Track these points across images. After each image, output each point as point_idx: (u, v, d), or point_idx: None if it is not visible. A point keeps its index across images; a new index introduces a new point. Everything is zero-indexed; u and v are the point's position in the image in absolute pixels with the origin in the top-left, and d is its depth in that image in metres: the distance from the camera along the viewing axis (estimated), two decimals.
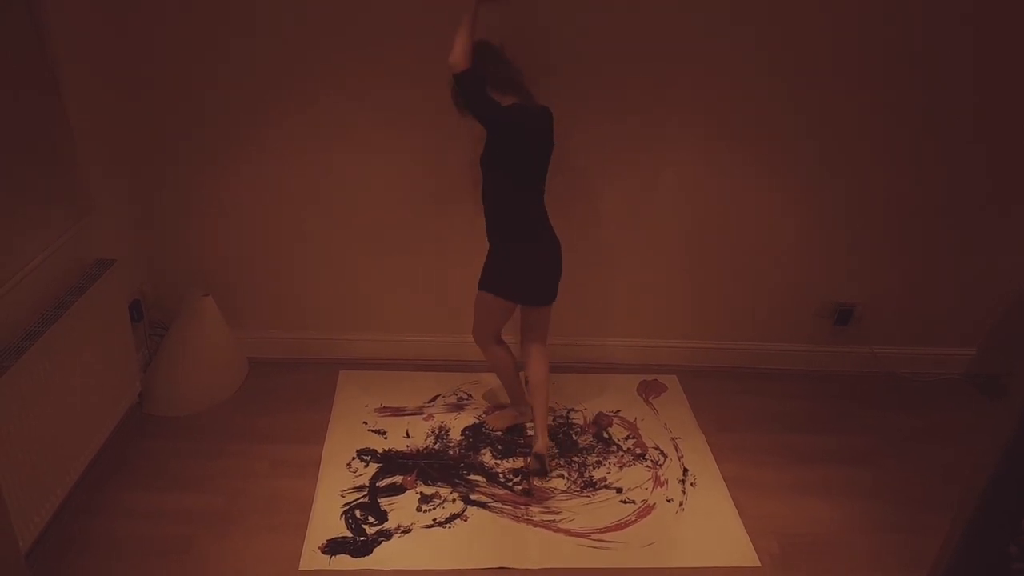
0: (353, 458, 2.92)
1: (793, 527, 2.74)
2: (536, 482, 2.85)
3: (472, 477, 2.86)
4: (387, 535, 2.59)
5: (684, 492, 2.87)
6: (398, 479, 2.83)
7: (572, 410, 3.27)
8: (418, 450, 2.98)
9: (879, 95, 3.05)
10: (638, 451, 3.06)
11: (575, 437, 3.11)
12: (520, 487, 2.83)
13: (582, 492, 2.84)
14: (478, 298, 2.82)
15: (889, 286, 3.49)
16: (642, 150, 3.12)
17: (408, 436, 3.05)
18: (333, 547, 2.53)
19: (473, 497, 2.77)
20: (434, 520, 2.66)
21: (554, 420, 3.19)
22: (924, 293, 3.51)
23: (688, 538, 2.67)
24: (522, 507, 2.75)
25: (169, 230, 3.16)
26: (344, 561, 2.48)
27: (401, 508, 2.70)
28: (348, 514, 2.66)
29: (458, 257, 3.22)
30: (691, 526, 2.72)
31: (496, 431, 3.08)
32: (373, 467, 2.88)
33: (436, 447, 3.00)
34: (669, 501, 2.83)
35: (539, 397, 2.88)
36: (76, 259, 2.66)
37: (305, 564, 2.46)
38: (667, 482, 2.92)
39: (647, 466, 2.99)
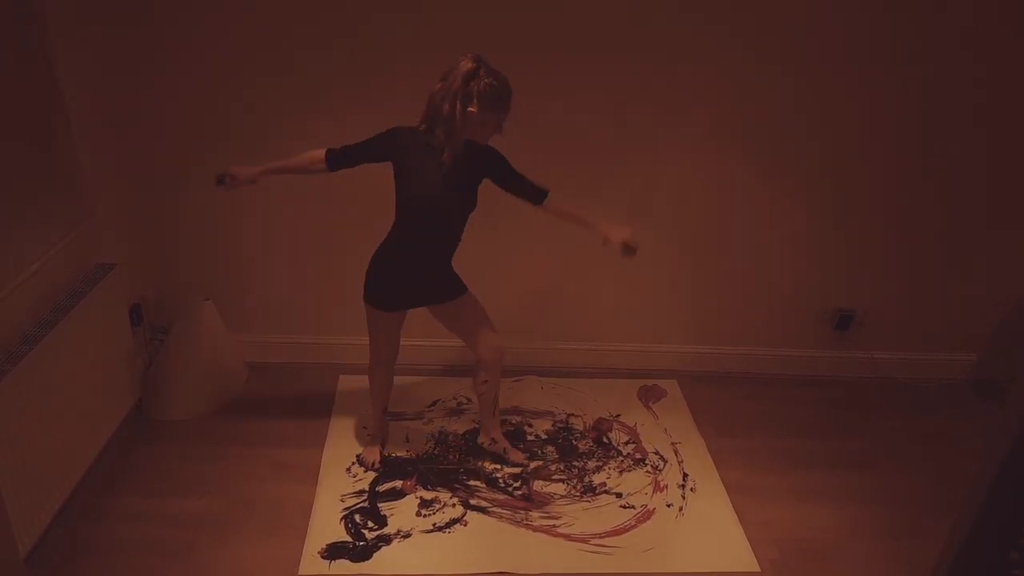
0: (353, 463, 2.91)
1: (793, 532, 2.74)
2: (537, 487, 2.85)
3: (472, 482, 2.86)
4: (387, 540, 2.59)
5: (684, 497, 2.87)
6: (398, 484, 2.83)
7: (572, 415, 3.26)
8: (418, 455, 2.98)
9: (880, 99, 3.05)
10: (638, 456, 3.06)
11: (575, 442, 3.11)
12: (520, 492, 2.83)
13: (582, 497, 2.83)
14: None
15: (889, 291, 3.49)
16: (640, 154, 3.12)
17: (408, 441, 3.05)
18: (333, 552, 2.52)
19: (473, 502, 2.77)
20: (434, 525, 2.66)
21: (553, 425, 3.19)
22: (925, 298, 3.51)
23: (688, 543, 2.67)
24: (522, 512, 2.74)
25: (169, 235, 3.17)
26: (344, 566, 2.48)
27: (401, 513, 2.70)
28: (348, 519, 2.66)
29: (458, 261, 3.22)
30: (691, 531, 2.72)
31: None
32: (373, 472, 2.87)
33: (436, 452, 3.00)
34: (669, 506, 2.82)
35: None
36: (76, 263, 2.67)
37: (305, 569, 2.45)
38: (667, 487, 2.91)
39: (647, 471, 2.99)
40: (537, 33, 2.85)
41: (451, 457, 2.98)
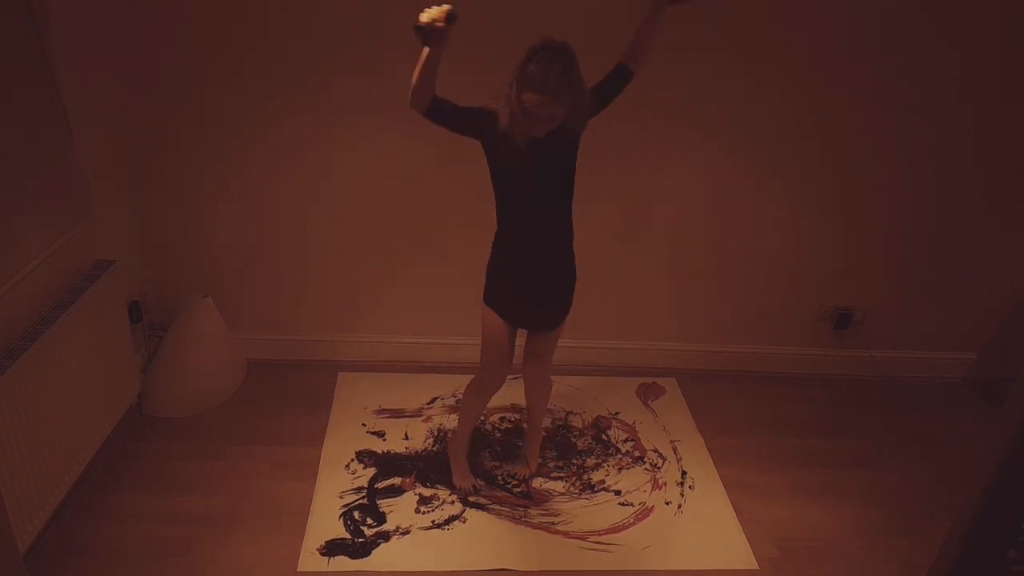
0: (352, 460, 2.91)
1: (791, 531, 2.74)
2: (535, 485, 2.85)
3: None
4: (386, 537, 2.59)
5: (683, 495, 2.87)
6: (397, 481, 2.83)
7: (571, 413, 3.27)
8: (417, 452, 2.98)
9: (877, 99, 3.05)
10: (637, 454, 3.06)
11: (574, 440, 3.11)
12: (519, 489, 2.83)
13: (581, 494, 2.84)
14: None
15: (889, 290, 3.49)
16: (640, 154, 3.12)
17: (407, 438, 3.05)
18: (332, 548, 2.53)
19: (472, 499, 2.77)
20: (433, 522, 2.66)
21: (552, 423, 3.19)
22: (924, 297, 3.51)
23: (686, 541, 2.67)
24: (521, 509, 2.75)
25: (169, 232, 3.16)
26: (343, 563, 2.48)
27: (400, 510, 2.70)
28: (347, 516, 2.66)
29: (457, 259, 3.23)
30: (689, 529, 2.72)
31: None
32: (372, 469, 2.88)
33: (435, 449, 3.00)
34: (667, 504, 2.83)
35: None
36: (76, 260, 2.66)
37: (304, 566, 2.46)
38: (665, 485, 2.92)
39: (646, 469, 2.99)
40: (531, 33, 2.85)
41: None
